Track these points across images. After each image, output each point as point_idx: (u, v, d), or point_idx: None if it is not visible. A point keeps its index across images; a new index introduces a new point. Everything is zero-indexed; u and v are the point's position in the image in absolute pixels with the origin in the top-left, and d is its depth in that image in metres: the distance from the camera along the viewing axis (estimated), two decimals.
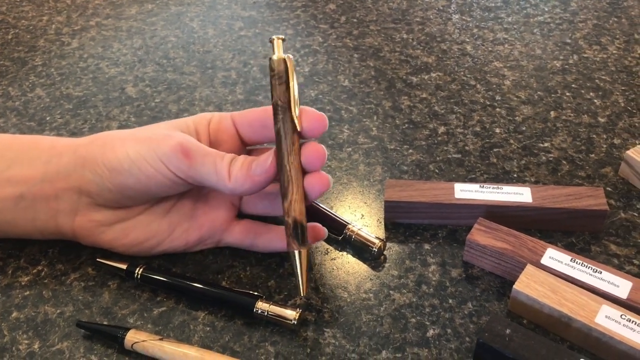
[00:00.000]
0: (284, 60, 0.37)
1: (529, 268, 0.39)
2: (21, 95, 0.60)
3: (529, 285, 0.38)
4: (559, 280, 0.38)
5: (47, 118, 0.57)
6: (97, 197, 0.39)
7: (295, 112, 0.37)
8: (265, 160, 0.37)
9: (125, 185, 0.38)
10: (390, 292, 0.40)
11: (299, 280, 0.38)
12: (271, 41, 0.37)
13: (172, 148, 0.37)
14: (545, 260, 0.40)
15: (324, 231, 0.42)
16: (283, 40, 0.38)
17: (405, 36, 0.67)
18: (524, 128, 0.54)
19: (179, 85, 0.61)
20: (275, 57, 0.37)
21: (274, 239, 0.42)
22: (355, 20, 0.71)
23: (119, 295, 0.41)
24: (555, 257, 0.40)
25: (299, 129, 0.37)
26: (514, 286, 0.38)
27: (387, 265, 0.42)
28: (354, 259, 0.43)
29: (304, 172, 0.38)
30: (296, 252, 0.38)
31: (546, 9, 0.71)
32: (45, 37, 0.69)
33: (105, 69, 0.63)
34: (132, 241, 0.41)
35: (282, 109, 0.37)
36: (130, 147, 0.38)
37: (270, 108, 0.38)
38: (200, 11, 0.73)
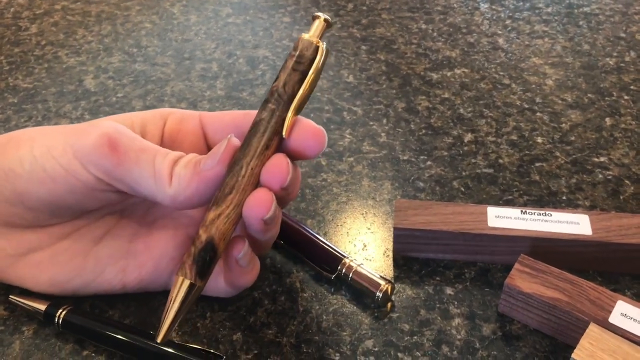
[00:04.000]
0: (317, 46, 0.29)
1: (593, 329, 0.29)
2: None
3: (594, 355, 0.28)
4: (636, 348, 0.28)
5: None
6: None
7: (291, 114, 0.28)
8: (218, 149, 0.28)
9: (26, 193, 0.28)
10: (399, 354, 0.30)
11: (166, 320, 0.27)
12: (314, 18, 0.29)
13: (94, 140, 0.27)
14: (615, 318, 0.29)
15: (244, 279, 0.31)
16: (328, 24, 0.29)
17: (423, 26, 0.57)
18: (572, 138, 0.43)
19: (148, 77, 0.50)
20: (306, 36, 0.29)
21: (238, 277, 0.31)
22: (364, 7, 0.60)
23: (33, 346, 0.32)
24: (629, 313, 0.29)
25: (284, 135, 0.28)
26: (573, 355, 0.28)
27: (395, 316, 0.32)
28: (351, 305, 0.33)
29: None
30: (186, 283, 0.27)
31: None
32: (0, 21, 0.59)
33: (64, 58, 0.53)
34: (50, 280, 0.31)
35: (277, 99, 0.28)
36: (40, 142, 0.28)
37: (254, 113, 0.29)
38: None
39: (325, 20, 0.29)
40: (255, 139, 0.28)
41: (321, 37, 0.29)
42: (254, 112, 0.30)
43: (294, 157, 0.29)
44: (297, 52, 0.28)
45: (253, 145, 0.28)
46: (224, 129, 0.32)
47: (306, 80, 0.28)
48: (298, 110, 0.28)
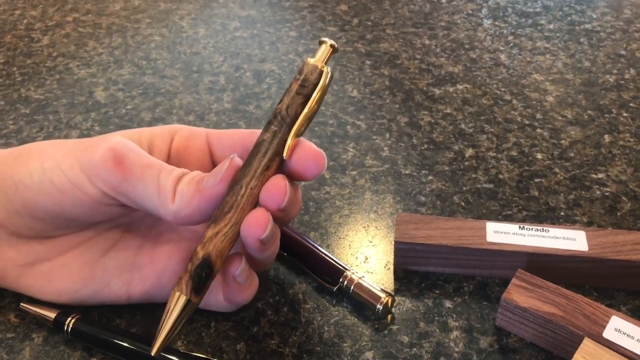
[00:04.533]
0: (321, 71, 0.29)
1: (587, 344, 0.29)
2: None
3: None
4: None
5: None
6: (8, 225, 0.31)
7: (292, 136, 0.29)
8: (220, 168, 0.28)
9: (35, 205, 0.29)
10: None
11: (160, 333, 0.28)
12: (320, 43, 0.30)
13: (101, 155, 0.28)
14: (609, 334, 0.30)
15: (244, 296, 0.32)
16: (334, 49, 0.30)
17: (427, 42, 0.58)
18: (571, 154, 0.44)
19: (157, 90, 0.51)
20: (312, 60, 0.30)
21: (236, 293, 0.31)
22: (369, 23, 0.61)
23: (42, 352, 0.32)
24: (623, 328, 0.30)
25: (284, 157, 0.29)
26: None
27: (395, 328, 0.33)
28: (352, 317, 0.33)
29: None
30: (182, 298, 0.28)
31: (594, 16, 0.61)
32: (13, 32, 0.60)
33: (75, 70, 0.54)
34: (58, 290, 0.32)
35: (280, 122, 0.29)
36: (49, 156, 0.29)
37: (258, 132, 0.30)
38: (192, 9, 0.64)
39: (332, 45, 0.30)
40: (256, 159, 0.29)
41: (326, 62, 0.30)
42: (260, 131, 0.31)
43: (294, 178, 0.30)
44: (302, 77, 0.29)
45: (254, 166, 0.28)
46: (230, 147, 0.32)
47: (309, 104, 0.29)
48: (300, 133, 0.29)
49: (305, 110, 0.29)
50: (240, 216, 0.28)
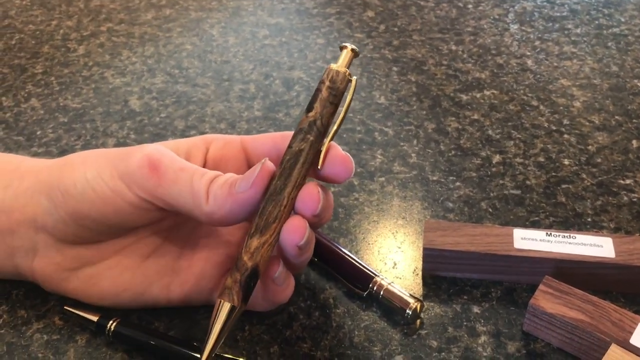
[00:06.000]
0: (349, 78, 0.30)
1: (614, 349, 0.30)
2: (14, 105, 0.53)
3: None
4: None
5: (38, 132, 0.50)
6: (55, 231, 0.32)
7: (326, 145, 0.30)
8: (252, 172, 0.29)
9: (79, 213, 0.31)
10: None
11: (210, 340, 0.29)
12: (341, 48, 0.30)
13: (137, 162, 0.29)
14: (636, 340, 0.30)
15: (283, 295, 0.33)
16: (355, 53, 0.31)
17: (454, 48, 0.58)
18: (599, 160, 0.44)
19: (190, 98, 0.53)
20: (335, 66, 0.30)
21: (275, 294, 0.33)
22: (395, 29, 0.62)
23: (86, 354, 0.34)
24: None
25: (319, 166, 0.30)
26: None
27: (424, 333, 0.33)
28: (382, 322, 0.34)
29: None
30: (227, 306, 0.29)
31: (622, 20, 0.61)
32: (50, 42, 0.62)
33: (110, 79, 0.56)
34: (101, 293, 0.33)
35: (315, 131, 0.30)
36: (91, 166, 0.31)
37: (291, 134, 0.31)
38: (222, 17, 0.66)
39: (353, 49, 0.31)
40: (296, 170, 0.30)
41: (349, 66, 0.31)
42: (291, 133, 0.31)
43: (324, 182, 0.31)
44: (333, 84, 0.30)
45: (294, 176, 0.29)
46: (264, 152, 0.33)
47: (341, 114, 0.30)
48: (329, 139, 0.30)
49: (339, 120, 0.30)
50: (281, 225, 0.29)
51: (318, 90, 0.30)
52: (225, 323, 0.29)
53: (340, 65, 0.30)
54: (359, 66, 0.56)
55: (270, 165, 0.30)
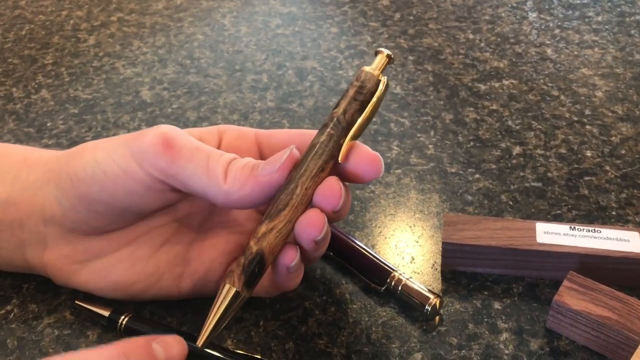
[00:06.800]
0: (379, 80, 0.30)
1: None
2: (24, 97, 0.52)
3: None
4: None
5: (48, 124, 0.49)
6: (65, 221, 0.31)
7: (348, 140, 0.29)
8: (280, 156, 0.29)
9: (89, 197, 0.30)
10: None
11: (208, 325, 0.28)
12: (376, 53, 0.30)
13: (151, 139, 0.29)
14: None
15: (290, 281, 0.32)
16: (391, 59, 0.31)
17: (471, 36, 0.57)
18: (622, 151, 0.43)
19: (202, 89, 0.52)
20: (369, 69, 0.30)
21: (285, 281, 0.32)
22: (411, 17, 0.61)
23: None
24: None
25: (340, 160, 0.29)
26: None
27: (443, 329, 0.32)
28: (400, 318, 0.33)
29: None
30: (232, 291, 0.28)
31: None
32: (60, 33, 0.61)
33: (121, 69, 0.55)
34: (112, 284, 0.33)
35: (336, 125, 0.29)
36: (101, 149, 0.30)
37: (308, 132, 0.31)
38: (234, 6, 0.65)
39: (388, 55, 0.30)
40: (312, 160, 0.29)
41: (382, 71, 0.30)
42: (309, 131, 0.31)
43: (351, 180, 0.30)
44: (359, 83, 0.30)
45: (309, 166, 0.29)
46: (279, 148, 0.33)
47: (365, 112, 0.29)
48: (355, 138, 0.29)
49: (362, 116, 0.30)
50: (294, 215, 0.29)
51: (347, 90, 0.30)
52: (226, 306, 0.28)
53: (372, 68, 0.30)
54: (373, 55, 0.55)
55: (297, 153, 0.29)
